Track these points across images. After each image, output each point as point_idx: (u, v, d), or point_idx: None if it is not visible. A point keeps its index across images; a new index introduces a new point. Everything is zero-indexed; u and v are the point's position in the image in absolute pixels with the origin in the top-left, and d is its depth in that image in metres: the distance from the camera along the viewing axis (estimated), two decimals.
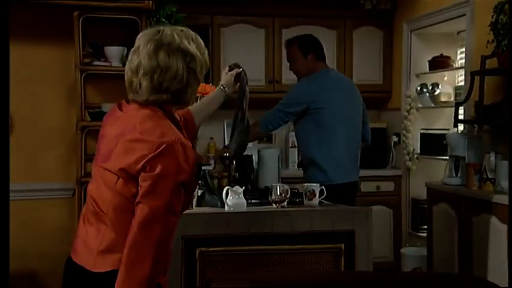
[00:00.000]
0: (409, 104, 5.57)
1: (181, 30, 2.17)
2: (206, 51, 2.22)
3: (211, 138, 5.80)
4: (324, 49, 4.40)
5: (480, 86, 4.16)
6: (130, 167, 2.03)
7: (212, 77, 5.64)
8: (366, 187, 5.59)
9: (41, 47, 3.60)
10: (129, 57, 2.15)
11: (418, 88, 5.50)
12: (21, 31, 3.59)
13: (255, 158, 4.17)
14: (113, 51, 3.50)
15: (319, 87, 4.10)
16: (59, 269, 3.73)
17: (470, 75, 4.32)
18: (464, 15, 4.81)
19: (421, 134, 5.48)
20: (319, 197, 3.28)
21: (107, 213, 2.10)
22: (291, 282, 2.02)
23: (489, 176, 4.08)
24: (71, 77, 3.58)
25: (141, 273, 1.99)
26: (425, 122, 5.58)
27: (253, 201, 3.23)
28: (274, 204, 3.11)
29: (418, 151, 5.53)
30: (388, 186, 5.69)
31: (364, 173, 5.53)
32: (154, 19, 3.45)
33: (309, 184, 3.31)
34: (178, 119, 2.33)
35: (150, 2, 3.39)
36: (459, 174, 4.38)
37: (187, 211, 2.92)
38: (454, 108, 4.44)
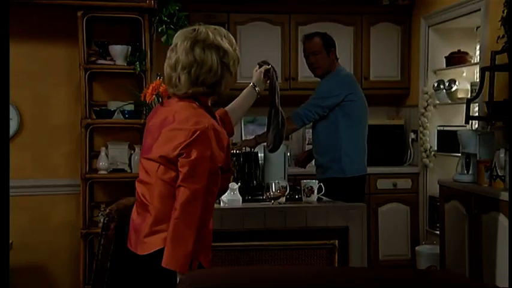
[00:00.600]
0: (426, 101, 5.51)
1: (215, 29, 2.39)
2: (237, 47, 2.45)
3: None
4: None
5: (490, 82, 4.10)
6: (168, 154, 2.26)
7: None
8: (382, 184, 5.57)
9: (49, 47, 3.70)
10: (168, 55, 2.38)
11: (435, 84, 5.44)
12: (30, 31, 3.71)
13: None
14: (117, 50, 3.57)
15: (352, 80, 4.30)
16: (67, 262, 3.88)
17: (481, 71, 4.26)
18: (479, 9, 4.74)
19: (438, 131, 5.42)
20: (318, 193, 3.29)
21: (151, 202, 2.34)
22: (271, 278, 2.04)
23: (499, 173, 4.02)
24: (78, 75, 3.66)
25: (184, 250, 2.21)
26: (442, 119, 5.51)
27: (250, 197, 3.26)
28: (270, 201, 3.13)
29: (435, 148, 5.47)
30: (405, 183, 5.64)
31: (380, 170, 5.54)
32: (157, 18, 3.50)
33: (307, 181, 3.32)
34: (221, 123, 2.52)
35: (152, 1, 3.44)
36: (470, 172, 4.33)
37: None
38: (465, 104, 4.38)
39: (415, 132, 5.72)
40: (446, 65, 5.39)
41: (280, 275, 2.03)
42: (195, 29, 2.38)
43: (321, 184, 3.33)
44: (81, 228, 3.68)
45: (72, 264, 3.79)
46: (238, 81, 5.66)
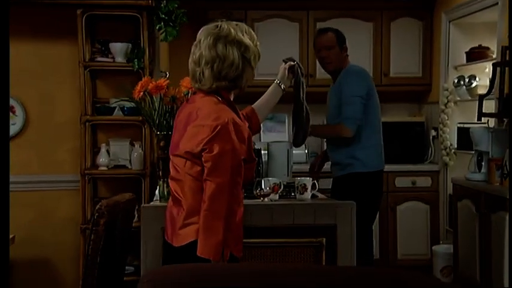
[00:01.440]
0: (447, 97, 5.39)
1: (236, 24, 2.50)
2: (258, 43, 2.53)
3: None
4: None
5: (501, 78, 3.98)
6: (193, 149, 2.38)
7: None
8: (400, 182, 5.49)
9: (53, 45, 3.78)
10: (192, 51, 2.50)
11: (455, 81, 5.32)
12: (34, 30, 3.80)
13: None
14: (117, 48, 3.62)
15: (369, 75, 4.26)
16: (70, 256, 3.95)
17: (493, 67, 4.14)
18: (497, 3, 4.61)
19: (458, 128, 5.29)
20: (312, 190, 3.26)
21: (183, 196, 2.46)
22: (233, 276, 2.03)
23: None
24: (78, 72, 3.73)
25: (216, 239, 2.34)
26: (463, 116, 5.38)
27: (245, 194, 3.24)
28: (260, 198, 3.12)
29: (456, 146, 5.35)
30: (424, 181, 5.53)
31: (399, 167, 5.46)
32: (155, 16, 3.53)
33: (300, 178, 3.30)
34: (242, 117, 2.63)
35: None
36: (483, 170, 4.22)
37: (160, 203, 3.02)
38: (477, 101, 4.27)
39: (436, 129, 5.60)
40: (467, 61, 5.26)
41: (244, 273, 2.03)
42: (217, 26, 2.49)
43: (315, 182, 3.30)
44: (80, 223, 3.75)
45: (75, 258, 3.87)
46: (256, 78, 5.69)
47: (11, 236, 3.68)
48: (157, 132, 3.07)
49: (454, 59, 5.44)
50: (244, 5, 5.66)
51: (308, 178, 3.32)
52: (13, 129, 3.81)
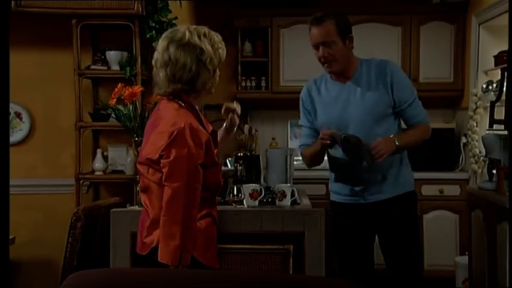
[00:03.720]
0: (475, 103, 5.20)
1: (195, 28, 2.54)
2: (220, 45, 2.56)
3: (273, 139, 5.86)
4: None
5: (508, 82, 3.82)
6: (152, 156, 2.45)
7: (271, 78, 5.73)
8: (427, 190, 5.34)
9: (57, 53, 3.97)
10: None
11: (484, 86, 5.12)
12: (40, 39, 4.01)
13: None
14: (111, 56, 3.74)
15: None
16: None
17: (501, 72, 3.97)
18: None
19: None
20: (291, 197, 3.23)
21: (151, 206, 2.53)
22: (151, 281, 2.08)
23: None
24: (84, 80, 3.88)
25: (173, 244, 2.38)
26: None
27: (222, 200, 3.26)
28: (232, 204, 3.13)
29: (484, 153, 5.14)
30: (453, 190, 5.35)
31: (425, 175, 5.31)
32: (146, 24, 3.62)
33: (279, 185, 3.28)
34: (205, 121, 2.64)
35: (140, 8, 3.57)
36: (494, 179, 4.05)
37: (132, 207, 3.08)
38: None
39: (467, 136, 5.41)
40: (495, 65, 5.05)
41: (163, 279, 2.06)
42: (174, 30, 2.57)
43: (294, 188, 3.28)
44: None
45: None
46: (281, 85, 5.73)
47: (11, 237, 3.87)
48: (134, 137, 3.15)
49: (484, 63, 5.23)
50: (270, 11, 5.69)
51: (288, 185, 3.31)
52: (20, 135, 4.02)
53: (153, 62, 2.57)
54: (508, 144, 3.40)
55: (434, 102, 5.82)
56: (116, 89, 3.06)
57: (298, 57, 5.62)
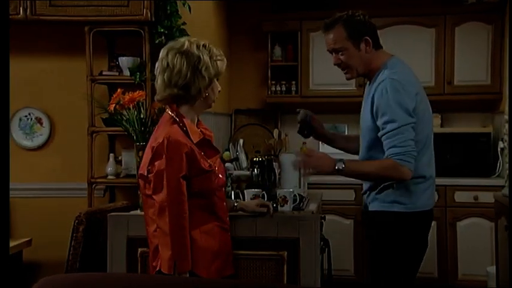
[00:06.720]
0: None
1: (195, 40, 2.61)
2: (219, 57, 2.60)
3: (304, 143, 5.80)
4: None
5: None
6: (143, 172, 2.55)
7: (300, 82, 5.68)
8: (460, 197, 5.16)
9: (76, 60, 4.02)
10: None
11: None
12: (59, 47, 4.10)
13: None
14: (123, 62, 3.79)
15: (411, 72, 3.05)
16: None
17: None
18: None
19: None
20: (293, 203, 3.19)
21: (150, 217, 2.58)
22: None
23: None
24: (99, 86, 3.96)
25: (166, 254, 2.48)
26: None
27: None
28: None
29: None
30: (488, 196, 5.12)
31: (459, 181, 5.15)
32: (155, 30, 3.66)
33: (281, 190, 3.25)
34: (197, 127, 2.65)
35: (149, 14, 3.61)
36: None
37: (132, 212, 3.11)
38: None
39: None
40: None
41: (133, 285, 2.06)
42: (176, 41, 2.65)
43: (296, 194, 3.23)
44: None
45: None
46: (310, 88, 5.67)
47: (28, 239, 3.98)
48: (136, 142, 3.18)
49: None
50: (299, 15, 5.64)
51: (290, 190, 3.25)
52: (41, 140, 4.13)
53: (155, 70, 2.65)
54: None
55: (470, 106, 5.65)
56: (115, 95, 3.09)
57: (327, 61, 5.46)
